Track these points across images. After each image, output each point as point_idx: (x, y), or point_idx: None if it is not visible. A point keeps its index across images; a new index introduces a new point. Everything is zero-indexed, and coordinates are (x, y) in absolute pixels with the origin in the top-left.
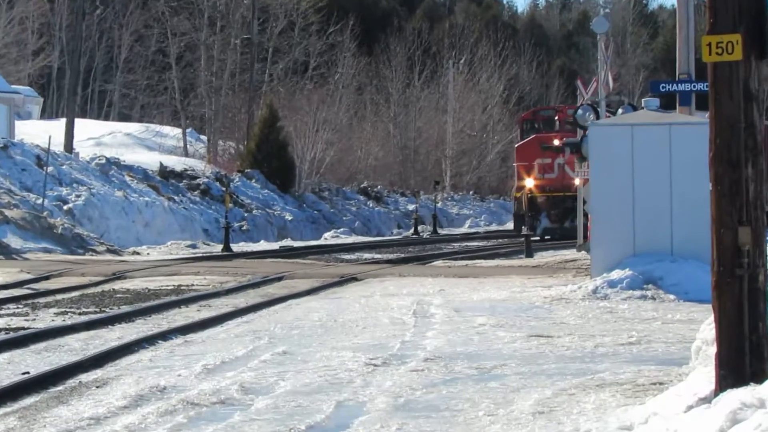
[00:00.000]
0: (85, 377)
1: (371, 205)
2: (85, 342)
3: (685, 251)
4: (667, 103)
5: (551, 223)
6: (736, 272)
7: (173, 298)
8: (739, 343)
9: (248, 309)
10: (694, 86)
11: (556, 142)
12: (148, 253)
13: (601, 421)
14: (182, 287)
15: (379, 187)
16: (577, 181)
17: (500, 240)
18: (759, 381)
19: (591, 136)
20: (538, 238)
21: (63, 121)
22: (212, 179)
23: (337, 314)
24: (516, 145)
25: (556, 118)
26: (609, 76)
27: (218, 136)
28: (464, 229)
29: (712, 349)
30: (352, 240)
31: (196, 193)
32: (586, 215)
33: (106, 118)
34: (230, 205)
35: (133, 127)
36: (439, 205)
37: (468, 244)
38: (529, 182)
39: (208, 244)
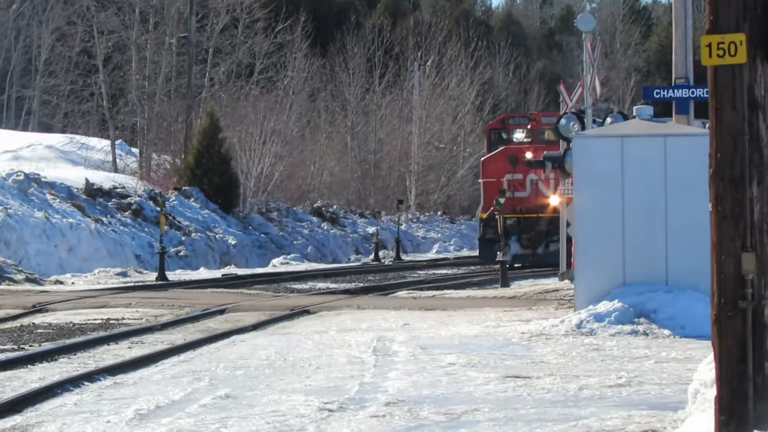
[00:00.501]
0: (1, 424)
1: (326, 227)
2: (1, 384)
3: (681, 280)
4: (663, 111)
5: (522, 248)
6: (739, 305)
7: (101, 333)
8: (741, 385)
9: (186, 346)
10: (693, 92)
11: (529, 155)
12: (72, 282)
13: None
14: (111, 321)
15: (334, 207)
16: (554, 201)
17: (472, 267)
18: (763, 428)
19: (575, 149)
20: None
21: None
22: (145, 198)
23: (287, 352)
24: (482, 159)
25: (529, 126)
26: (596, 80)
27: (152, 149)
28: (431, 255)
29: (712, 392)
30: (304, 267)
31: (126, 213)
32: (569, 239)
33: (25, 128)
34: (165, 227)
35: (56, 139)
36: (402, 227)
37: (436, 271)
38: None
39: (141, 272)
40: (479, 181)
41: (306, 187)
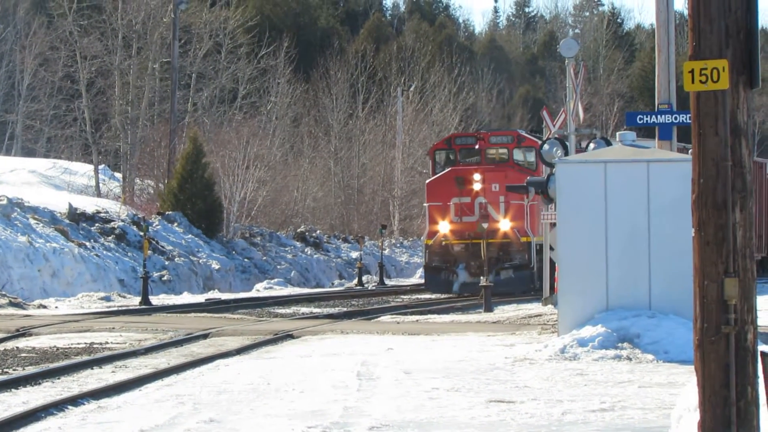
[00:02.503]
0: None
1: (309, 252)
2: None
3: (665, 305)
4: (646, 136)
5: (471, 276)
6: (722, 330)
7: (85, 357)
8: (725, 411)
9: (170, 370)
10: (676, 118)
11: (477, 176)
12: (56, 307)
13: None
14: (95, 345)
15: (318, 232)
16: (504, 225)
17: None
18: None
19: (558, 175)
20: (453, 295)
21: None
22: (128, 223)
23: (271, 377)
24: (427, 182)
25: (477, 146)
26: (579, 106)
27: (135, 174)
28: (415, 280)
29: (695, 417)
30: (287, 292)
31: (110, 238)
32: (552, 264)
33: (8, 152)
34: (149, 252)
35: (39, 164)
36: (386, 252)
37: (419, 296)
38: (444, 226)
39: (124, 297)
40: (424, 205)
41: (289, 212)
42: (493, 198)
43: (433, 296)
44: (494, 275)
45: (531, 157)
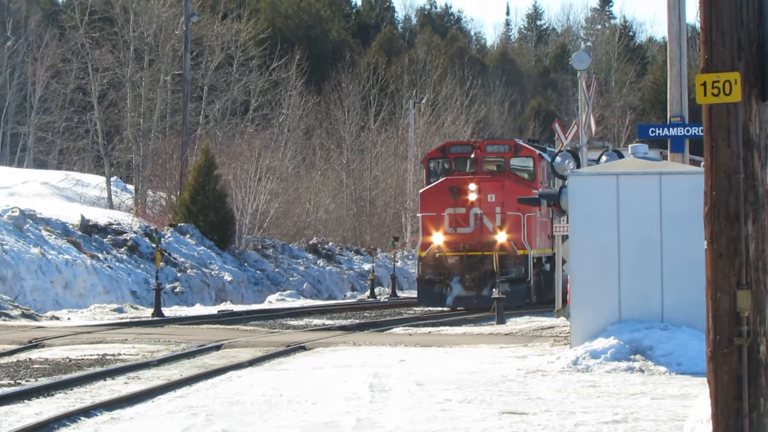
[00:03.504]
0: None
1: (321, 264)
2: None
3: (677, 317)
4: (659, 148)
5: (465, 290)
6: (735, 342)
7: (98, 369)
8: (737, 422)
9: (183, 382)
10: (688, 131)
11: (473, 187)
12: (68, 318)
13: None
14: (108, 357)
15: (330, 243)
16: (501, 237)
17: None
18: None
19: (571, 187)
20: (447, 309)
21: None
22: (141, 234)
23: (283, 388)
24: (421, 191)
25: (473, 155)
26: (591, 118)
27: (147, 186)
28: None
29: (708, 428)
30: (300, 304)
31: (122, 249)
32: (565, 277)
33: (20, 164)
34: (161, 263)
35: (51, 175)
36: (398, 264)
37: (432, 308)
38: (437, 238)
39: (137, 308)
40: (418, 215)
41: (301, 224)
42: (488, 209)
43: (446, 309)
44: (489, 289)
45: (529, 166)
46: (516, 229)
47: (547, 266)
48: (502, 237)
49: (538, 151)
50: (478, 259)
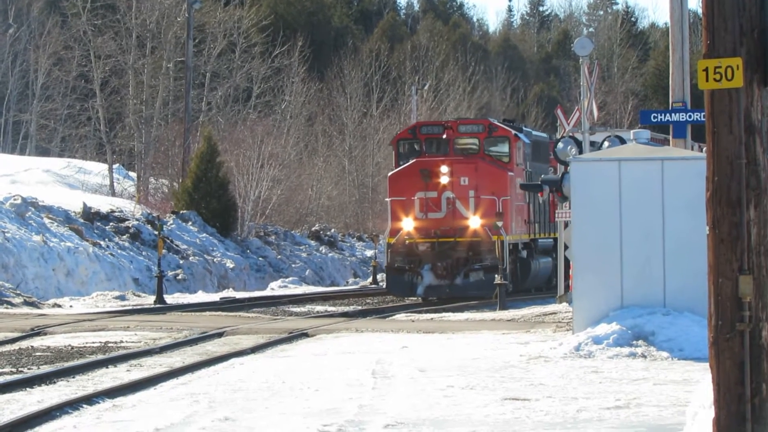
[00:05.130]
0: None
1: (324, 251)
2: (0, 406)
3: (679, 303)
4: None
5: (437, 278)
6: (737, 327)
7: (100, 356)
8: (739, 408)
9: (185, 369)
10: (690, 116)
11: (445, 169)
12: (70, 306)
13: None
14: (110, 344)
15: (332, 230)
16: (474, 222)
17: None
18: None
19: (573, 173)
20: (418, 299)
21: None
22: (143, 222)
23: (285, 375)
24: (389, 174)
25: (445, 136)
26: (593, 104)
27: (149, 173)
28: None
29: (710, 414)
30: (302, 290)
31: (124, 237)
32: (567, 262)
33: (22, 152)
34: (163, 251)
35: (53, 163)
36: None
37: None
38: (407, 223)
39: (139, 296)
40: (386, 200)
41: (304, 211)
42: (461, 192)
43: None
44: (462, 277)
45: (504, 148)
46: (491, 213)
47: (524, 253)
48: (475, 222)
49: (514, 132)
50: (451, 246)
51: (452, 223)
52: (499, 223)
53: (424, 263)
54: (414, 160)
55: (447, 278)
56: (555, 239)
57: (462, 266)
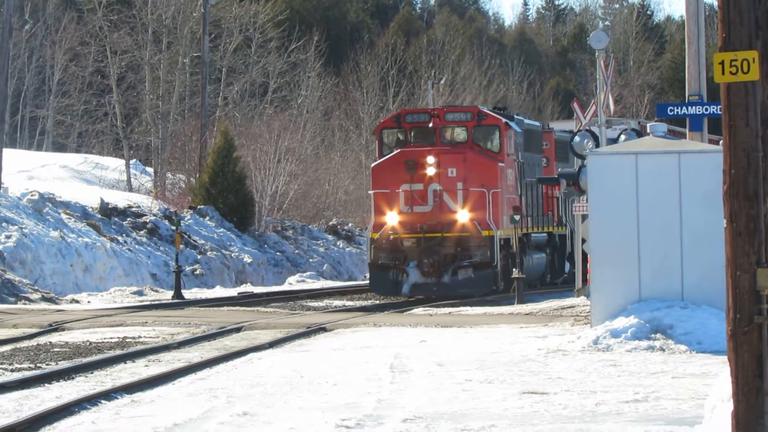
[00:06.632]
0: None
1: (341, 245)
2: (18, 402)
3: (697, 296)
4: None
5: (423, 276)
6: (755, 320)
7: (118, 352)
8: (758, 401)
9: (203, 364)
10: (706, 109)
11: (431, 160)
12: (88, 301)
13: None
14: (128, 340)
15: (350, 225)
16: (463, 217)
17: None
18: None
19: (590, 167)
20: (405, 297)
21: None
22: (160, 217)
23: (304, 369)
24: (372, 165)
25: (431, 125)
26: (609, 97)
27: (166, 168)
28: None
29: (729, 407)
30: (320, 285)
31: (142, 232)
32: (585, 256)
33: (39, 147)
34: (181, 246)
35: (70, 159)
36: None
37: None
38: (392, 218)
39: (157, 291)
40: (369, 192)
41: (321, 206)
42: (449, 185)
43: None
44: (450, 275)
45: (494, 137)
46: (480, 207)
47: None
48: (464, 216)
49: (504, 120)
50: (438, 242)
51: (439, 217)
52: (517, 217)
53: (410, 260)
54: (398, 150)
55: (434, 276)
56: (549, 233)
57: (450, 263)
